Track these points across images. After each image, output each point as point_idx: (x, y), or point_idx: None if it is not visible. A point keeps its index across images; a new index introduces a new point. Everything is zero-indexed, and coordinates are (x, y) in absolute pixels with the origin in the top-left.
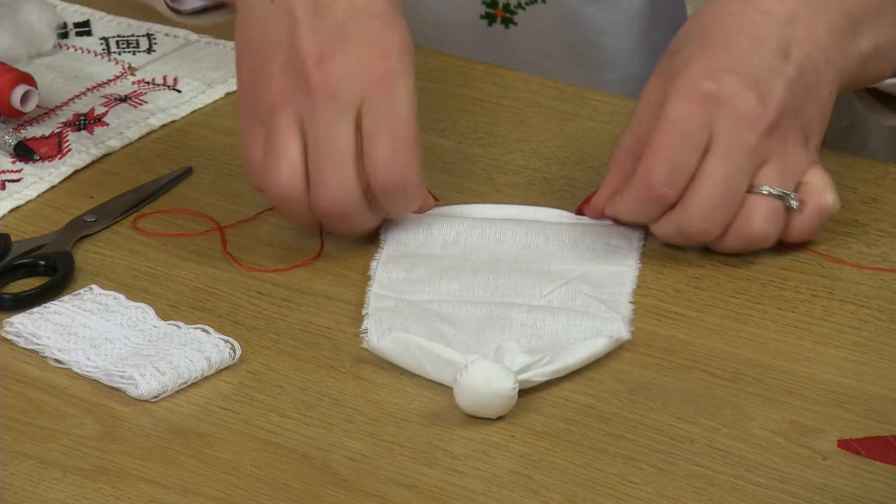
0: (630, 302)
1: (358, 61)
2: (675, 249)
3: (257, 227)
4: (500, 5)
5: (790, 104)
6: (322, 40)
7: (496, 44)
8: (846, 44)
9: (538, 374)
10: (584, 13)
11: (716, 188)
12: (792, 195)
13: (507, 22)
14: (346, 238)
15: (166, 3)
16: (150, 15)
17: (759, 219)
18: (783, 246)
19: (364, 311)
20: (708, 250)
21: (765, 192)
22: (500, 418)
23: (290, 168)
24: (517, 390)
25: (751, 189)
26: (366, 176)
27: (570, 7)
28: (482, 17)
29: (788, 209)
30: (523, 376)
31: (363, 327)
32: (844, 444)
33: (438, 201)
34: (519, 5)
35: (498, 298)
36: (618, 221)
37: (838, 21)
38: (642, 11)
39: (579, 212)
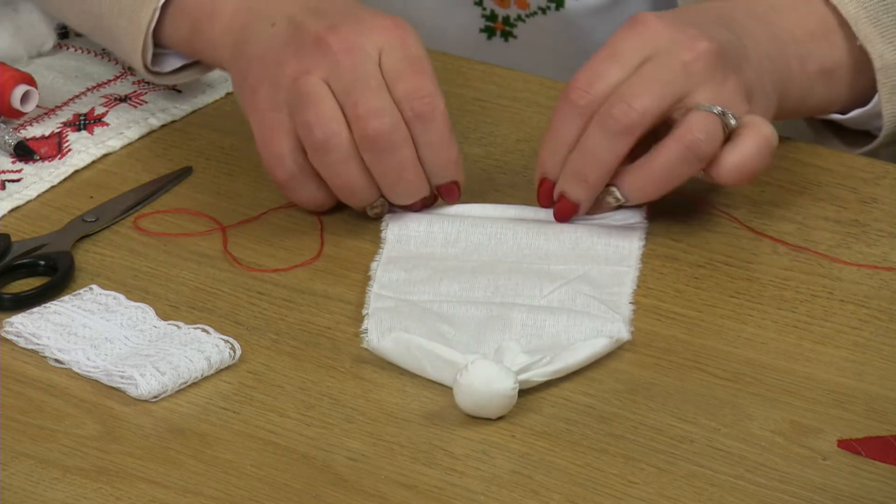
0: (630, 302)
1: (368, 25)
2: (676, 249)
3: (258, 228)
4: (500, 18)
5: (728, 49)
6: (329, 21)
7: (496, 57)
8: (787, 52)
9: (538, 375)
10: (585, 25)
11: (641, 81)
12: (730, 114)
13: (506, 35)
14: (347, 238)
15: (145, 67)
16: None
17: (697, 128)
18: (724, 185)
19: (364, 312)
20: (708, 250)
21: (703, 108)
22: (500, 418)
23: (332, 111)
24: (517, 390)
25: (693, 106)
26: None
27: (571, 19)
28: (482, 30)
29: (726, 128)
30: (523, 376)
31: (363, 327)
32: (844, 444)
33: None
34: (519, 18)
35: (498, 299)
36: (547, 157)
37: (778, 34)
38: None
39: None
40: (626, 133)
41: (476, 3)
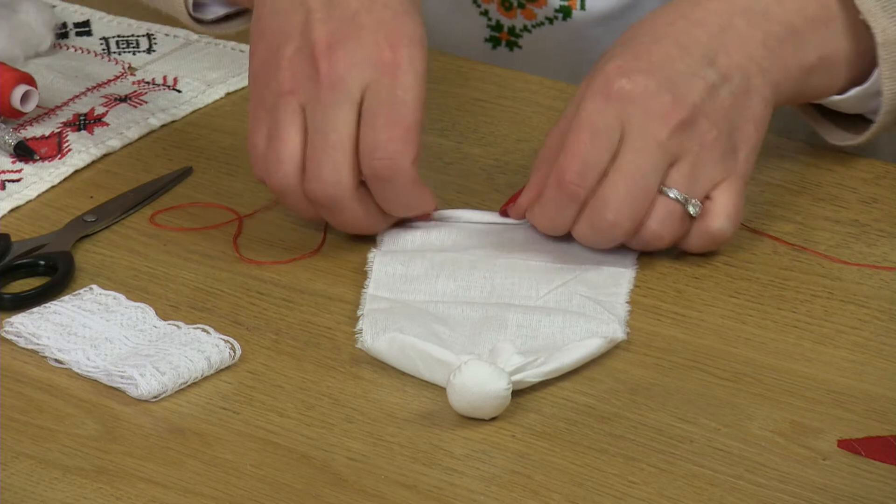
0: (626, 303)
1: (367, 50)
2: (676, 249)
3: (259, 227)
4: (506, 28)
5: (709, 106)
6: (334, 29)
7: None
8: (785, 55)
9: (532, 375)
10: (592, 34)
11: (624, 181)
12: (693, 202)
13: (511, 45)
14: (347, 238)
15: (189, 14)
16: (150, 15)
17: (654, 219)
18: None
19: (359, 312)
20: (708, 251)
21: (668, 195)
22: (500, 418)
23: (289, 155)
24: (510, 391)
25: (660, 189)
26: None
27: (578, 28)
28: (486, 39)
29: (690, 216)
30: (517, 377)
31: (358, 328)
32: (844, 444)
33: (436, 208)
34: (525, 28)
35: (494, 299)
36: (539, 228)
37: (777, 32)
38: None
39: (503, 213)
40: (615, 237)
41: (481, 14)
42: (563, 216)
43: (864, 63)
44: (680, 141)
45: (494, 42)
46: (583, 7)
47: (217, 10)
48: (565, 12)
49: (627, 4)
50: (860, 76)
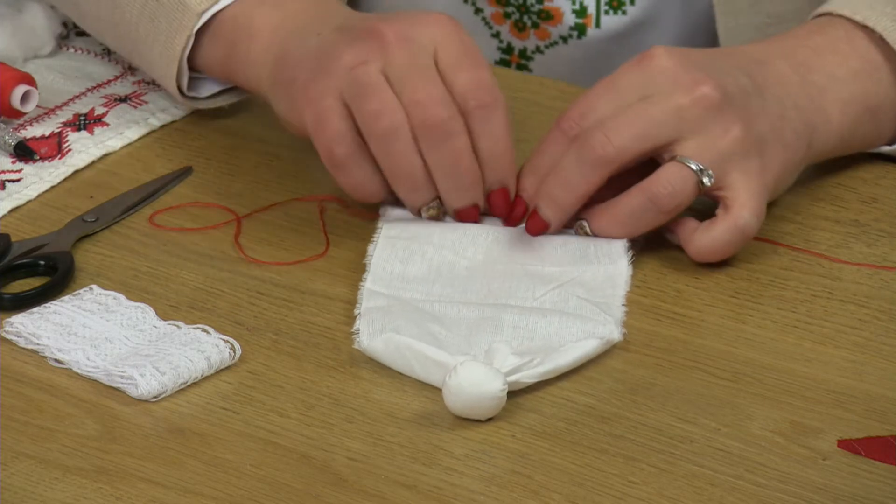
0: (623, 304)
1: (418, 17)
2: (676, 249)
3: (259, 227)
4: (517, 51)
5: (739, 102)
6: (377, 18)
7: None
8: (824, 100)
9: (527, 376)
10: (605, 51)
11: (627, 117)
12: (707, 172)
13: (521, 67)
14: (347, 238)
15: (181, 94)
16: None
17: (665, 180)
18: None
19: (356, 311)
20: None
21: (682, 161)
22: (500, 418)
23: (390, 98)
24: (506, 392)
25: (672, 156)
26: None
27: (592, 45)
28: (497, 62)
29: (702, 185)
30: (512, 378)
31: (355, 328)
32: (844, 444)
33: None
34: (537, 49)
35: (491, 300)
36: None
37: (816, 80)
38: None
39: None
40: (600, 165)
41: (493, 35)
42: (551, 154)
43: None
44: (701, 117)
45: (504, 64)
46: (598, 25)
47: (211, 87)
48: (580, 30)
49: (642, 22)
50: None
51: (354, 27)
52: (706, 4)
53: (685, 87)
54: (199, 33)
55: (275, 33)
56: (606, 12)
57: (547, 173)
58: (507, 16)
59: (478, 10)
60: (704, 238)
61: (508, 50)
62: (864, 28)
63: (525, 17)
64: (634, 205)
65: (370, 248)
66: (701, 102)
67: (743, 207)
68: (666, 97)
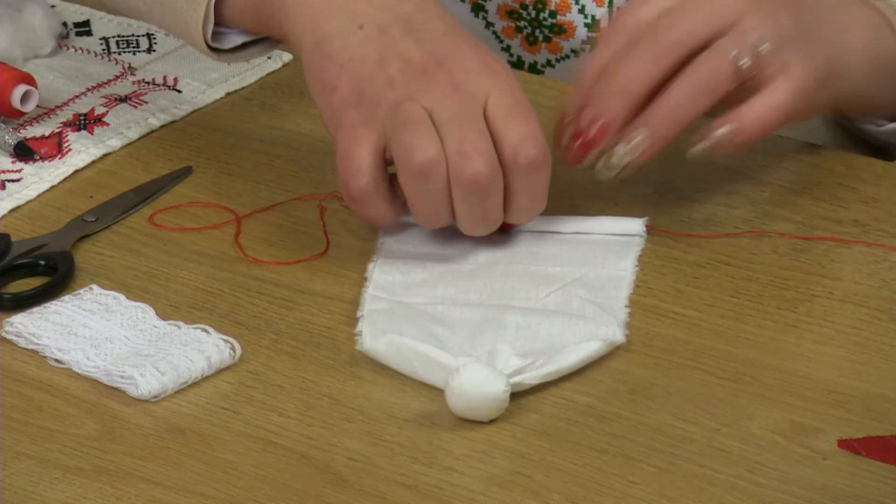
0: (626, 306)
1: (474, 62)
2: (676, 249)
3: (259, 227)
4: (526, 65)
5: (783, 11)
6: (432, 48)
7: None
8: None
9: (530, 378)
10: None
11: (689, 2)
12: (744, 56)
13: None
14: (347, 238)
15: (206, 44)
16: None
17: (701, 68)
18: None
19: (359, 314)
20: (708, 250)
21: (718, 49)
22: (500, 418)
23: (432, 138)
24: (508, 393)
25: (708, 43)
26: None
27: None
28: None
29: (739, 69)
30: (515, 379)
31: (357, 329)
32: (844, 444)
33: None
34: (548, 63)
35: (493, 301)
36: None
37: (845, 19)
38: None
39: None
40: (673, 48)
41: (503, 49)
42: (610, 46)
43: None
44: (743, 10)
45: None
46: None
47: (235, 39)
48: (592, 44)
49: None
50: None
51: (404, 49)
52: None
53: None
54: None
55: None
56: None
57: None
58: (519, 30)
59: (489, 24)
60: (759, 105)
61: (519, 64)
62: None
63: (537, 32)
64: (678, 94)
65: (370, 266)
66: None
67: (796, 70)
68: None
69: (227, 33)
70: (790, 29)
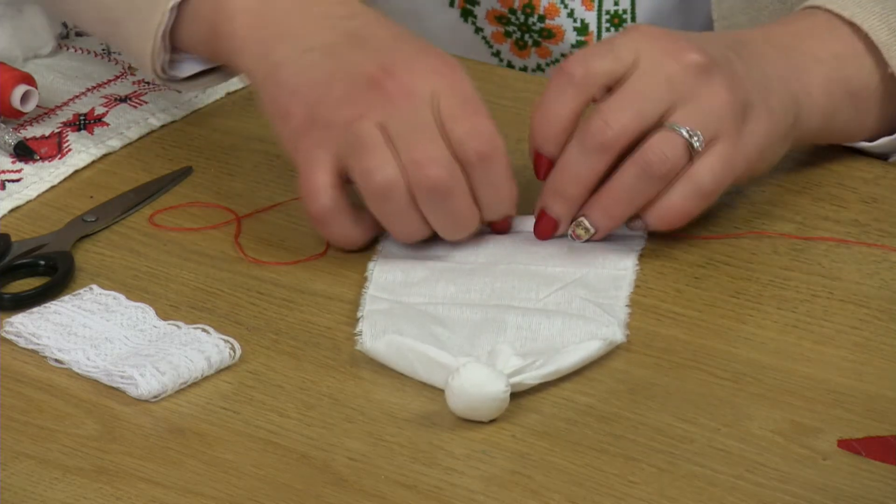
0: (626, 305)
1: (421, 64)
2: (676, 249)
3: (261, 228)
4: (517, 69)
5: (727, 70)
6: (380, 58)
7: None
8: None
9: (530, 378)
10: None
11: (624, 95)
12: (698, 135)
13: None
14: None
15: (156, 74)
16: None
17: (655, 147)
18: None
19: (359, 314)
20: (708, 250)
21: (669, 128)
22: (500, 418)
23: (388, 157)
24: (508, 394)
25: (663, 124)
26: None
27: None
28: None
29: (693, 149)
30: (515, 379)
31: (357, 329)
32: (844, 444)
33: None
34: (539, 67)
35: (494, 301)
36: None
37: (799, 61)
38: None
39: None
40: (603, 150)
41: (493, 54)
42: (562, 101)
43: (894, 108)
44: (691, 84)
45: None
46: None
47: (193, 68)
48: (582, 48)
49: None
50: (891, 121)
51: (353, 65)
52: (706, 19)
53: (672, 55)
54: (180, 10)
55: (255, 21)
56: (608, 29)
57: (559, 124)
58: (508, 35)
59: (478, 30)
60: (662, 202)
61: (509, 69)
62: (850, 24)
63: (526, 36)
64: (628, 178)
65: (370, 265)
66: (689, 69)
67: (703, 166)
68: (655, 67)
69: (183, 60)
70: (726, 108)
